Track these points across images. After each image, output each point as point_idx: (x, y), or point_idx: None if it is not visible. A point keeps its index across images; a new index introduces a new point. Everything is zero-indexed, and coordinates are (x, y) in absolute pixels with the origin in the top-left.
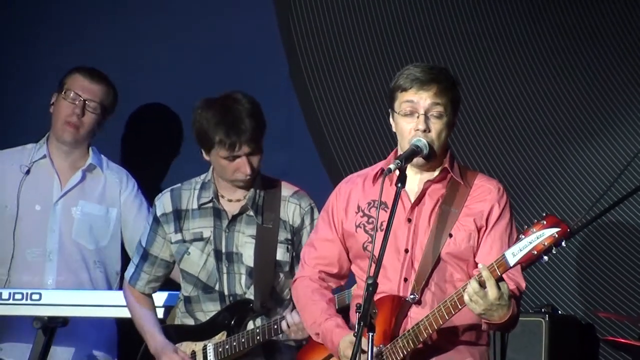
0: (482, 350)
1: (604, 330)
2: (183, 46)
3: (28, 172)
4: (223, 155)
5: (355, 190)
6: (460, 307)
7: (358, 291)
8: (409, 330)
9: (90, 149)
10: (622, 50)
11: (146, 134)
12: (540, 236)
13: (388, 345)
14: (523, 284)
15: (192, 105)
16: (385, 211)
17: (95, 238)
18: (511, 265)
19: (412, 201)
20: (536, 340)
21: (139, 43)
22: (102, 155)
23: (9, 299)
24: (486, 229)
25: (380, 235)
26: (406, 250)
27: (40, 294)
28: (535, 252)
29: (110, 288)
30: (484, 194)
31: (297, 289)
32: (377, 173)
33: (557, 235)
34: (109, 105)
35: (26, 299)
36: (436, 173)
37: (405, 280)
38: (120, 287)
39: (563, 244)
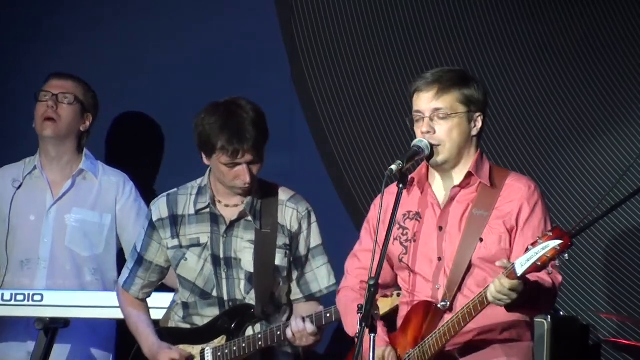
0: (523, 348)
1: (606, 331)
2: (184, 48)
3: (20, 186)
4: (224, 162)
5: (393, 201)
6: (474, 315)
7: (402, 299)
8: (429, 337)
9: (84, 154)
10: (625, 50)
11: (143, 136)
12: (545, 247)
13: (413, 350)
14: (559, 277)
15: (192, 107)
16: (419, 221)
17: (91, 245)
18: (519, 275)
19: (442, 208)
20: (538, 341)
21: (139, 44)
22: (99, 162)
23: (10, 300)
24: (517, 229)
25: (411, 246)
26: (439, 259)
27: (42, 295)
28: (540, 264)
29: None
30: (513, 194)
31: (340, 299)
32: (409, 182)
33: (558, 248)
34: (87, 102)
35: (28, 300)
36: (461, 178)
37: (438, 288)
38: None
39: (565, 256)
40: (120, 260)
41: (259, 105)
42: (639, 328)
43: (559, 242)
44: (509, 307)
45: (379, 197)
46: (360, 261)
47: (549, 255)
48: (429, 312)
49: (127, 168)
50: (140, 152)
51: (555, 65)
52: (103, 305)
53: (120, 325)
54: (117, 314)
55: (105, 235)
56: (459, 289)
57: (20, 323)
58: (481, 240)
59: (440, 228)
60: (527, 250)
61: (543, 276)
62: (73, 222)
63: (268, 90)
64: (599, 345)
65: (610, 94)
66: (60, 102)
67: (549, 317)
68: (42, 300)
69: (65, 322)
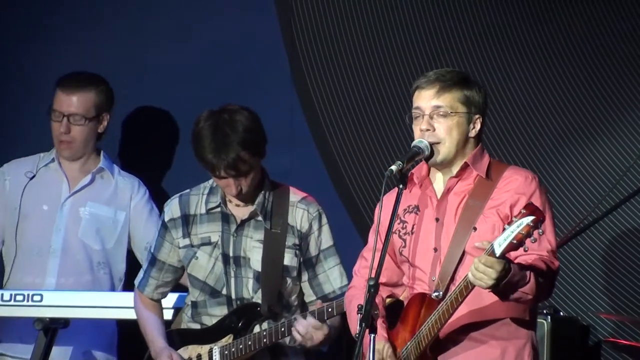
0: (520, 344)
1: (606, 331)
2: (183, 47)
3: (33, 177)
4: (210, 174)
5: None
6: (460, 300)
7: (406, 292)
8: (422, 328)
9: (101, 154)
10: (625, 50)
11: (145, 136)
12: (519, 225)
13: (410, 343)
14: (556, 263)
15: (191, 107)
16: (417, 214)
17: (102, 239)
18: (497, 255)
19: (439, 199)
20: (539, 342)
21: (139, 44)
22: (115, 165)
23: (10, 300)
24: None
25: (410, 238)
26: (435, 249)
27: (41, 295)
28: (516, 242)
29: (113, 291)
30: (510, 185)
31: (346, 298)
32: (410, 179)
33: (532, 224)
34: (99, 105)
35: (27, 300)
36: (458, 169)
37: (434, 280)
38: (124, 290)
39: (538, 232)
40: (129, 261)
41: (255, 113)
42: (639, 328)
43: (531, 217)
44: (497, 293)
45: (384, 198)
46: (367, 261)
47: (523, 232)
48: (423, 303)
49: (124, 168)
50: (139, 152)
51: (555, 65)
52: (103, 305)
53: (122, 324)
54: (118, 314)
55: (118, 231)
56: (452, 278)
57: (25, 323)
58: (475, 229)
59: (437, 219)
60: (504, 229)
61: (536, 262)
62: (87, 215)
63: (268, 90)
64: (599, 346)
65: (610, 94)
66: (72, 123)
67: (549, 317)
68: (42, 300)
69: (65, 322)
